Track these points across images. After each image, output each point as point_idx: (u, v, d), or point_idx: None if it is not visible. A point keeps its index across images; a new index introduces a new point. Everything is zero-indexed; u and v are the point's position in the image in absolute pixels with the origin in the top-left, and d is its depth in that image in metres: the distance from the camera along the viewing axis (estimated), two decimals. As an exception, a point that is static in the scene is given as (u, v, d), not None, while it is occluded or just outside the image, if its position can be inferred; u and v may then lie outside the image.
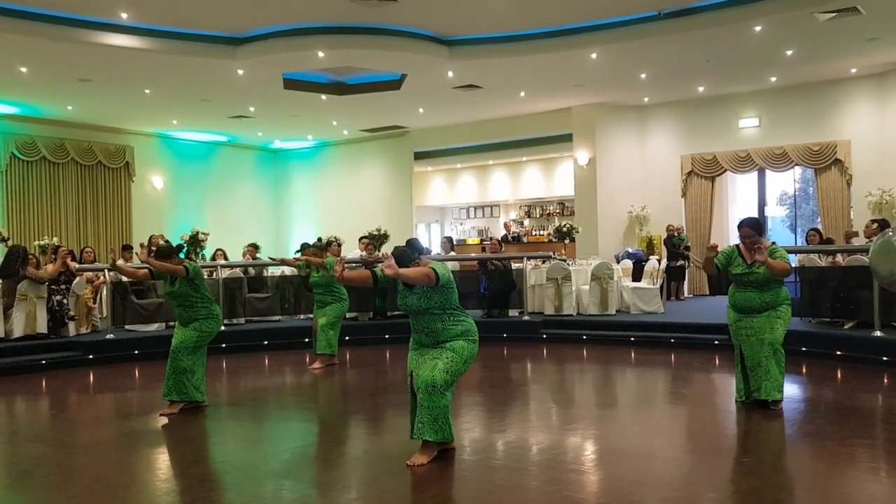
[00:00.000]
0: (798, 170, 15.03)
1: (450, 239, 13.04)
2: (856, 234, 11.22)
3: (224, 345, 9.82)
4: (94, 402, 7.57)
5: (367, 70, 12.07)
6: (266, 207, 19.28)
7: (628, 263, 12.67)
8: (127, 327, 10.46)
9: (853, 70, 12.65)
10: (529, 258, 11.76)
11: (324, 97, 13.08)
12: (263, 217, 19.04)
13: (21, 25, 9.50)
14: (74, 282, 9.96)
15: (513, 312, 11.22)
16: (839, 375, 7.53)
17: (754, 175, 14.63)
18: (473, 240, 19.17)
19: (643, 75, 12.59)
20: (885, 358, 7.71)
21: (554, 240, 15.04)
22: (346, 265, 8.87)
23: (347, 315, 9.56)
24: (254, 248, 12.69)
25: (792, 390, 6.62)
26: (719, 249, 6.02)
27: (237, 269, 11.66)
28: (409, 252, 4.73)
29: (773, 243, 5.95)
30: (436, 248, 15.87)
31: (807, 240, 10.33)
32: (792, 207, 21.63)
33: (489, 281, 11.29)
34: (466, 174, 19.46)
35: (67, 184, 15.17)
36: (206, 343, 6.47)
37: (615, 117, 14.95)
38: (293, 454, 5.18)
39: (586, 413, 6.39)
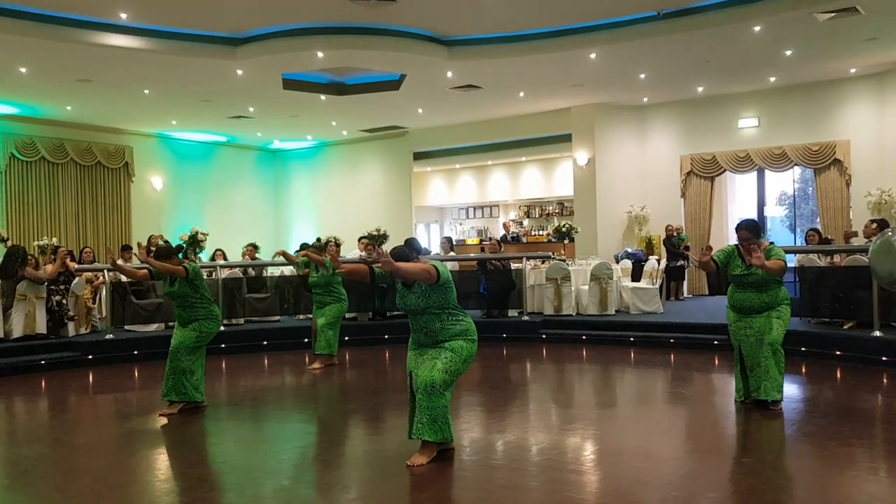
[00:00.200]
0: (797, 170, 15.04)
1: (449, 239, 13.04)
2: (855, 234, 11.23)
3: (223, 345, 9.82)
4: (94, 403, 7.56)
5: (367, 70, 12.07)
6: (265, 208, 19.28)
7: (628, 263, 12.68)
8: (126, 327, 10.45)
9: (852, 70, 12.65)
10: (529, 258, 11.75)
11: (323, 97, 13.08)
12: (263, 217, 19.03)
13: (20, 26, 9.50)
14: (74, 282, 9.96)
15: (512, 313, 11.22)
16: (838, 375, 7.54)
17: (753, 175, 14.63)
18: (473, 240, 19.17)
19: (642, 75, 12.59)
20: (884, 358, 7.72)
21: (553, 240, 15.06)
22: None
23: (347, 315, 9.56)
24: (253, 248, 12.68)
25: (791, 390, 6.62)
26: (720, 249, 6.03)
27: (236, 270, 11.65)
28: (408, 252, 4.72)
29: (772, 243, 5.95)
30: (435, 249, 15.88)
31: (806, 240, 10.34)
32: (791, 207, 21.64)
33: (488, 281, 11.29)
34: (466, 174, 19.46)
35: (67, 184, 15.15)
36: (205, 343, 6.47)
37: (614, 117, 14.95)
38: (293, 454, 5.19)
39: (586, 413, 6.39)
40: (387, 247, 13.00)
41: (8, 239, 13.04)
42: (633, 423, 5.98)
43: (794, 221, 19.44)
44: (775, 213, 23.71)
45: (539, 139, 16.01)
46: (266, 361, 9.56)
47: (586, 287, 11.22)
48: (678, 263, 13.53)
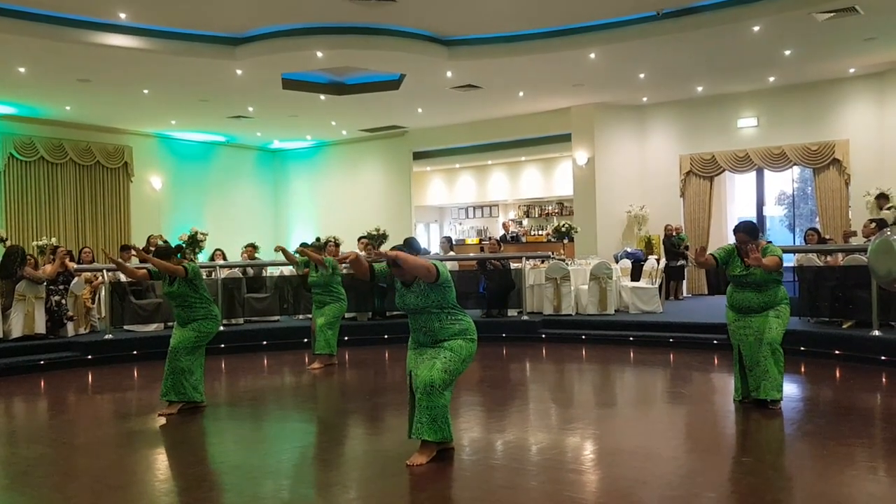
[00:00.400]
0: (796, 169, 15.05)
1: (449, 239, 13.05)
2: (854, 233, 11.23)
3: (223, 345, 9.81)
4: (93, 403, 7.56)
5: (366, 70, 12.07)
6: (265, 207, 19.27)
7: (627, 263, 12.68)
8: (125, 327, 10.45)
9: (851, 70, 12.66)
10: (528, 258, 11.74)
11: (323, 97, 13.07)
12: (262, 217, 19.03)
13: (20, 25, 9.49)
14: (73, 282, 9.96)
15: (512, 312, 11.22)
16: (838, 375, 7.54)
17: (753, 175, 14.63)
18: (472, 240, 19.18)
19: (642, 75, 12.59)
20: (883, 357, 7.72)
21: (553, 239, 15.06)
22: (344, 265, 8.85)
23: (346, 315, 9.55)
24: (252, 248, 12.67)
25: (791, 390, 6.62)
26: (721, 247, 6.04)
27: (236, 270, 11.65)
28: (407, 251, 4.72)
29: (769, 242, 5.96)
30: (435, 248, 15.89)
31: (805, 239, 10.34)
32: (790, 207, 21.66)
33: (488, 281, 11.29)
34: (465, 174, 19.46)
35: (66, 184, 15.15)
36: (204, 343, 6.47)
37: (614, 117, 14.95)
38: (292, 454, 5.19)
39: (585, 413, 6.39)
40: (386, 247, 13.00)
41: (7, 239, 13.03)
42: (633, 423, 5.98)
43: (794, 221, 19.46)
44: (774, 212, 23.73)
45: (539, 139, 16.02)
46: (265, 361, 9.56)
47: (586, 287, 11.22)
48: (678, 263, 13.53)
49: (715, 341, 9.13)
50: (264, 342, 10.42)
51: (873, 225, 9.33)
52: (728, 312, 6.05)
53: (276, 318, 11.51)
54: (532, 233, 18.19)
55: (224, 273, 11.08)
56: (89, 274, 10.60)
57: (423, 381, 4.53)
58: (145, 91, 12.62)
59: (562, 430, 5.67)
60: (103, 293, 10.31)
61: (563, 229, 14.24)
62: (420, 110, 14.85)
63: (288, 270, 11.62)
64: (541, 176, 18.27)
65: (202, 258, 13.67)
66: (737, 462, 4.70)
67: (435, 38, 11.01)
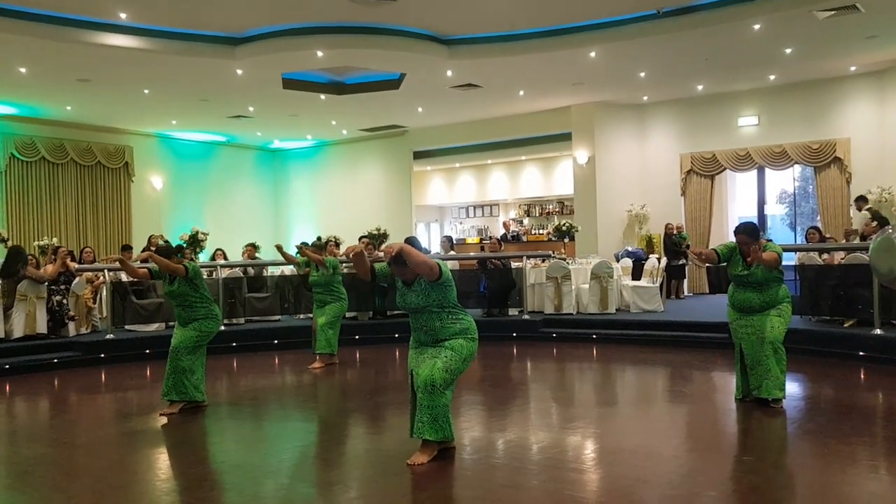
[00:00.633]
0: (797, 168, 15.03)
1: (449, 238, 13.04)
2: (855, 231, 11.22)
3: (223, 344, 9.81)
4: (94, 402, 7.56)
5: (366, 70, 12.07)
6: (265, 207, 19.28)
7: (628, 262, 12.67)
8: (127, 327, 10.45)
9: (852, 68, 12.65)
10: (529, 257, 11.75)
11: (323, 97, 13.07)
12: (263, 217, 19.03)
13: (20, 25, 9.49)
14: (74, 282, 9.97)
15: (512, 311, 11.22)
16: (839, 373, 7.53)
17: (754, 173, 14.63)
18: (473, 239, 19.15)
19: (642, 74, 12.59)
20: (884, 356, 7.72)
21: (553, 239, 15.05)
22: (343, 265, 8.86)
23: (347, 314, 9.55)
24: (253, 247, 12.67)
25: (792, 388, 6.61)
26: (723, 243, 6.05)
27: (237, 269, 11.65)
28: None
29: (770, 240, 5.96)
30: (435, 248, 15.88)
31: (806, 238, 10.33)
32: (791, 206, 21.66)
33: (489, 280, 11.29)
34: (466, 173, 19.46)
35: (67, 184, 15.15)
36: (205, 343, 6.47)
37: (614, 116, 14.95)
38: (293, 454, 5.19)
39: (586, 412, 6.39)
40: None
41: (8, 239, 13.05)
42: (634, 422, 5.98)
43: (795, 219, 19.47)
44: (776, 211, 23.74)
45: (539, 138, 16.01)
46: (266, 361, 9.56)
47: (587, 286, 11.21)
48: (678, 262, 13.53)
49: (716, 340, 9.12)
50: (265, 342, 10.42)
51: (875, 223, 9.31)
52: (729, 311, 6.06)
53: (277, 317, 11.52)
54: (533, 232, 18.17)
55: (225, 273, 11.09)
56: (90, 274, 10.61)
57: (424, 380, 4.53)
58: (146, 91, 12.62)
59: (563, 429, 5.67)
60: (105, 293, 10.31)
61: (564, 228, 14.24)
62: (420, 110, 14.85)
63: (289, 270, 11.62)
64: (541, 175, 18.26)
65: (203, 258, 13.67)
66: (738, 461, 4.70)
67: (435, 37, 11.00)
